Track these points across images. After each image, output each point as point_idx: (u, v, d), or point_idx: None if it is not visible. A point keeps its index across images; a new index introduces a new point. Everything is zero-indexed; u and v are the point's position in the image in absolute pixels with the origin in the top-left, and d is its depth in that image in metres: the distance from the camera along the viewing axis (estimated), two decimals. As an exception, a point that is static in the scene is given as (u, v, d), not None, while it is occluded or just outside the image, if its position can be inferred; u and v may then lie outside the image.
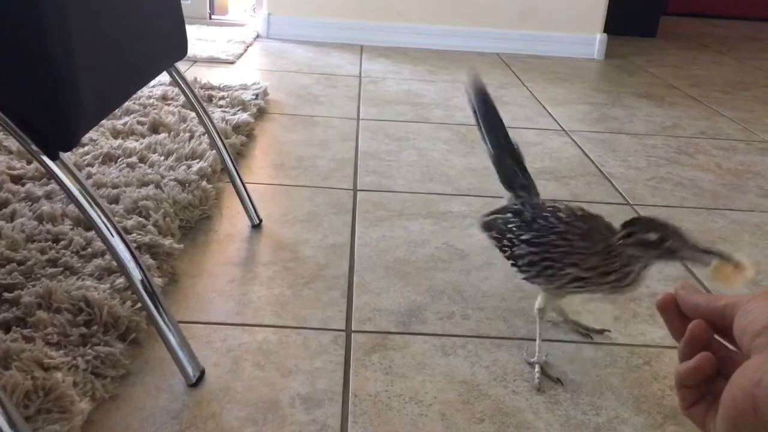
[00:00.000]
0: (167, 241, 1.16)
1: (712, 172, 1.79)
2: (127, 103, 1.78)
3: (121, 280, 1.02)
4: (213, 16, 3.30)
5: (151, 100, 1.86)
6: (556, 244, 0.90)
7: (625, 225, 0.85)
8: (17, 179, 1.35)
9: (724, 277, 0.75)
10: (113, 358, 0.88)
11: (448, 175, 1.65)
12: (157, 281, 1.05)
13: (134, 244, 1.05)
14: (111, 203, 1.27)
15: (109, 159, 1.47)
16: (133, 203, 1.26)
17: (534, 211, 0.96)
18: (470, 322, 1.07)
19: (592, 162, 1.80)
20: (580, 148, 1.91)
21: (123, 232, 0.81)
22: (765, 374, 0.31)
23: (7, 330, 0.91)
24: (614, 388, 0.94)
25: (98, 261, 1.08)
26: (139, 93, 1.88)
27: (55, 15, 0.69)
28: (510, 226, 0.97)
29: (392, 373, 0.94)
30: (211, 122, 1.25)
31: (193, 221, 1.30)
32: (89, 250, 1.11)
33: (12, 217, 1.19)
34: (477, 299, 1.13)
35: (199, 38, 2.86)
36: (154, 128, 1.67)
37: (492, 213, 1.04)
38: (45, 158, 0.74)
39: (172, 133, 1.64)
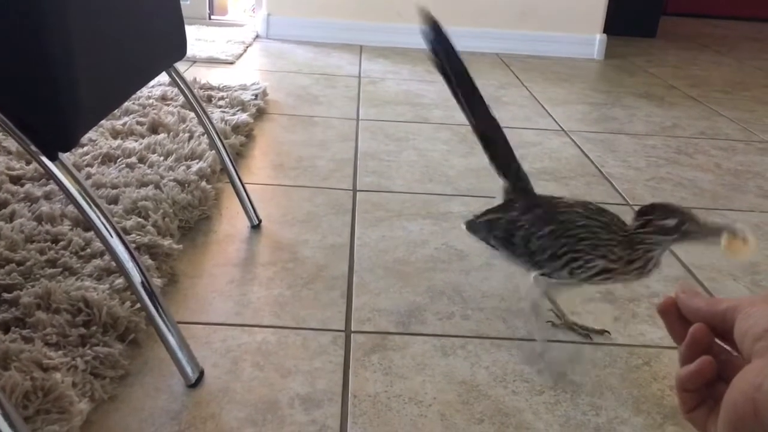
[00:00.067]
0: (166, 242, 1.16)
1: (711, 173, 1.79)
2: (126, 104, 1.78)
3: (120, 281, 1.02)
4: (212, 17, 3.30)
5: (151, 101, 1.85)
6: (583, 237, 0.91)
7: (641, 213, 0.88)
8: (16, 180, 1.35)
9: (735, 250, 0.80)
10: (112, 359, 0.88)
11: (448, 175, 1.65)
12: (157, 282, 1.04)
13: (133, 245, 1.05)
14: (110, 204, 1.27)
15: (108, 159, 1.47)
16: (133, 204, 1.25)
17: (545, 207, 0.97)
18: (470, 322, 1.07)
19: (592, 162, 1.80)
20: (579, 148, 1.91)
21: (122, 233, 0.81)
22: (766, 378, 0.31)
23: (6, 330, 0.91)
24: (614, 388, 0.94)
25: (97, 261, 1.07)
26: (138, 93, 1.88)
27: (55, 15, 0.68)
28: (520, 224, 0.97)
29: (392, 373, 0.94)
30: (211, 122, 1.25)
31: (193, 222, 1.30)
32: (88, 250, 1.11)
33: (11, 218, 1.19)
34: (476, 300, 1.13)
35: (198, 38, 2.86)
36: (154, 128, 1.67)
37: (487, 212, 1.03)
38: (44, 159, 0.74)
39: (171, 133, 1.63)
